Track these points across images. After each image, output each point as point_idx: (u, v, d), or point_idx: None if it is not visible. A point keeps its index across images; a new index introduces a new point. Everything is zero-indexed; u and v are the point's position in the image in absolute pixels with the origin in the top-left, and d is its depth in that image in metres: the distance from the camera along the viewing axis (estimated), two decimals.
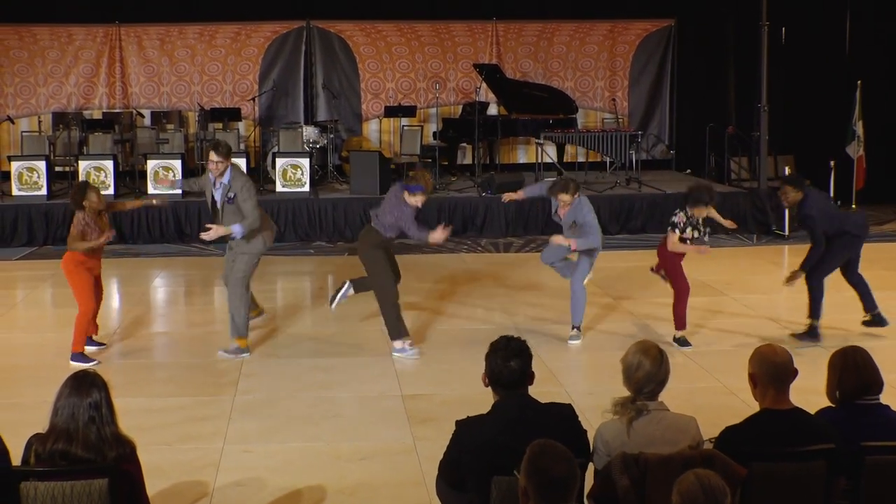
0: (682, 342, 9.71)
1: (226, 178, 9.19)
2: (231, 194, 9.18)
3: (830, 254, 9.74)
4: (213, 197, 9.31)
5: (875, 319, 9.98)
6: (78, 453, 4.48)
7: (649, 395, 4.77)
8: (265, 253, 9.76)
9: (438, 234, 9.57)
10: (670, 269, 9.84)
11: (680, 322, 9.77)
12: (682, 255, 9.76)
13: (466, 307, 11.36)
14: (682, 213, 9.55)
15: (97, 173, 15.61)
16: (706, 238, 9.72)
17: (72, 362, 9.08)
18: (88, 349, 9.48)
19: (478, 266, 13.70)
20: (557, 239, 9.80)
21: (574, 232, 9.80)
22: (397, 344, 9.51)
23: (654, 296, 11.72)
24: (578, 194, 9.80)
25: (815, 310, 9.84)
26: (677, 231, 9.56)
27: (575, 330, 9.95)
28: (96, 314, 9.63)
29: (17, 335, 10.51)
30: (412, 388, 8.55)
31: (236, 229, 9.15)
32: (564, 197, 9.73)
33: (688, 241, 9.60)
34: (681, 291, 9.75)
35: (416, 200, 9.36)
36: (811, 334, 9.78)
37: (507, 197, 10.48)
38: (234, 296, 9.41)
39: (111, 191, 15.51)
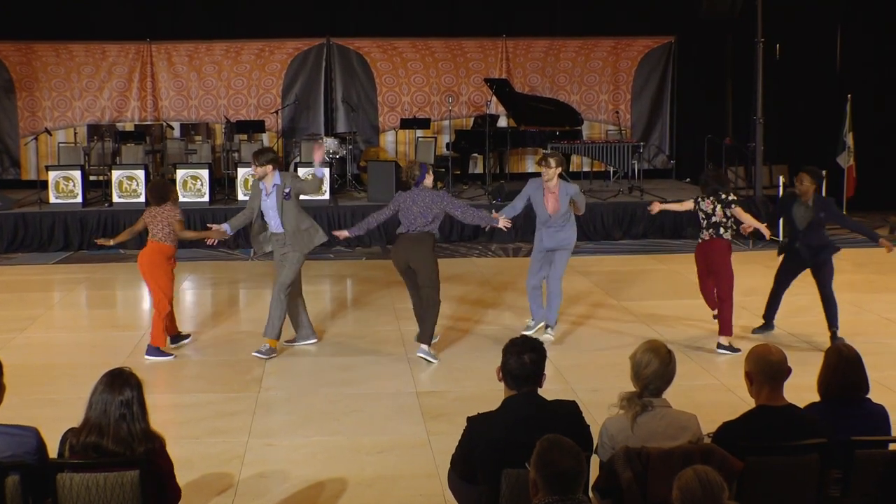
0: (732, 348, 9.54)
1: (277, 180, 9.31)
2: (287, 190, 9.31)
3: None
4: (264, 206, 9.37)
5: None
6: (109, 447, 4.48)
7: (654, 392, 4.77)
8: (309, 255, 9.78)
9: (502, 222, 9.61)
10: (727, 264, 9.62)
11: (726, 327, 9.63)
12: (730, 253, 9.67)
13: (477, 309, 11.35)
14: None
15: (129, 182, 15.65)
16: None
17: (148, 357, 9.34)
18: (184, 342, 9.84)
19: (488, 270, 13.69)
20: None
21: (565, 218, 9.68)
22: (425, 347, 9.31)
23: (655, 297, 11.72)
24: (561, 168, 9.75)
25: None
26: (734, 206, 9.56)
27: (550, 329, 9.83)
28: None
29: (55, 334, 10.53)
30: (426, 386, 8.56)
31: (320, 172, 9.65)
32: (552, 160, 9.60)
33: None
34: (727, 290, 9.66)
35: (430, 181, 9.38)
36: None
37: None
38: (274, 298, 9.44)
39: (142, 199, 15.54)
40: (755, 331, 9.98)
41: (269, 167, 9.29)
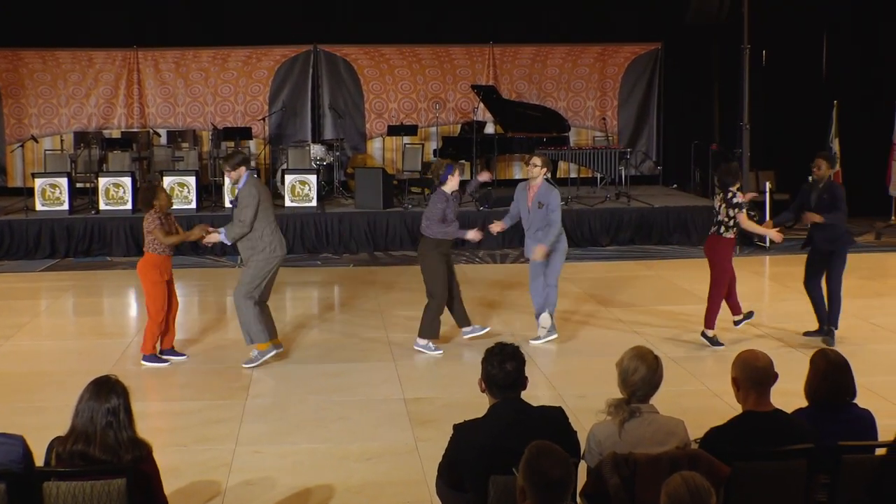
0: (714, 341, 9.77)
1: (240, 185, 9.29)
2: (234, 200, 9.37)
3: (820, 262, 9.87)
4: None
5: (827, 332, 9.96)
6: (96, 455, 4.48)
7: (642, 398, 4.77)
8: (271, 269, 9.35)
9: (472, 234, 9.91)
10: (720, 263, 9.72)
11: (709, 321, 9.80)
12: (732, 248, 9.72)
13: None
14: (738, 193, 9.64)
15: (116, 189, 15.60)
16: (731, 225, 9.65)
17: (143, 363, 9.33)
18: (175, 358, 9.60)
19: (475, 276, 13.68)
20: (538, 254, 9.71)
21: (537, 218, 9.77)
22: (422, 341, 9.71)
23: (642, 303, 11.73)
24: (548, 171, 9.95)
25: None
26: (744, 210, 9.62)
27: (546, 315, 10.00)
28: (173, 320, 9.66)
29: (42, 343, 10.50)
30: (414, 392, 8.55)
31: (222, 232, 9.29)
32: (536, 160, 9.83)
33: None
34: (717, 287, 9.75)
35: (454, 182, 9.55)
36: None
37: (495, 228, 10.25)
38: (237, 307, 9.38)
39: (129, 206, 15.52)
40: (808, 334, 10.03)
41: (237, 171, 9.34)
